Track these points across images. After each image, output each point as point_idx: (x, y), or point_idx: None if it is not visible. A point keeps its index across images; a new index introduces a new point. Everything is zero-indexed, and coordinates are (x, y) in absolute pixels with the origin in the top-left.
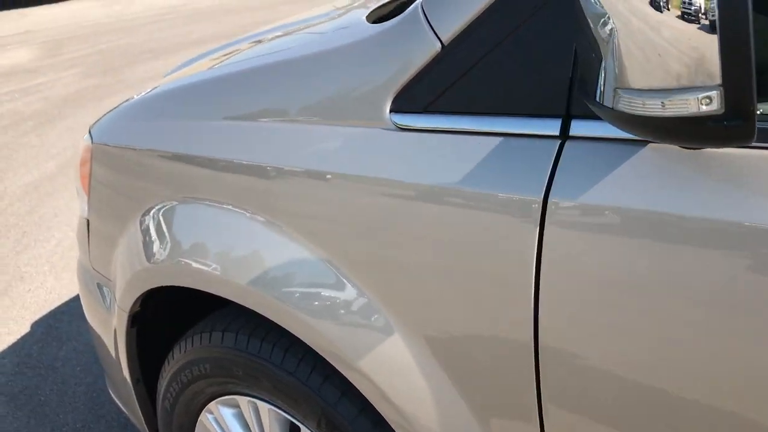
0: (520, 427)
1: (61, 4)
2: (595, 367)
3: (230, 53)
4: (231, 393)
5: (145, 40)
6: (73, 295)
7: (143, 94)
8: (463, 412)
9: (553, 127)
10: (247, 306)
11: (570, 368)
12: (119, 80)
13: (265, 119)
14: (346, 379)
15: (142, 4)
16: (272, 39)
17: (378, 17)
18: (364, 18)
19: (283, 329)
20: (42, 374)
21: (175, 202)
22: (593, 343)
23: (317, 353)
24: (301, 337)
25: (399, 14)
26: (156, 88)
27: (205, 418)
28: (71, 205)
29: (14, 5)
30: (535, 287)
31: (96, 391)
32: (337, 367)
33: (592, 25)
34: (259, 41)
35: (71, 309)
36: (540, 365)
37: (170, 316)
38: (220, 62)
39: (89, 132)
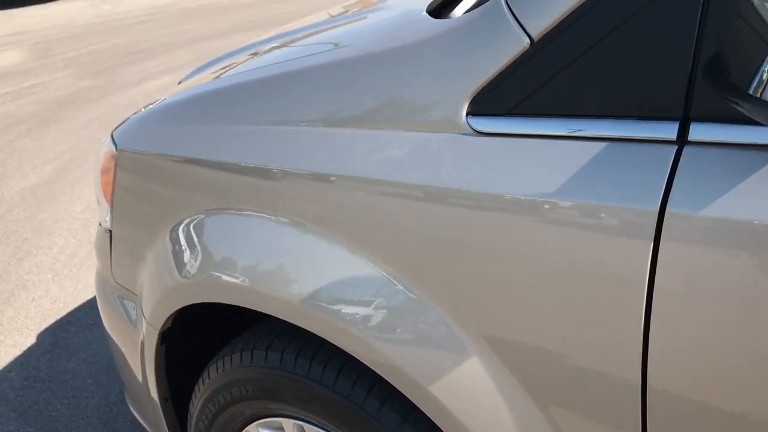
0: None
1: (49, 4)
2: (719, 408)
3: (252, 56)
4: (274, 415)
5: (136, 41)
6: (78, 304)
7: (165, 99)
8: None
9: (668, 130)
10: (300, 325)
11: (684, 406)
12: (112, 81)
13: (320, 124)
14: (407, 402)
15: (132, 4)
16: (304, 39)
17: (431, 11)
18: (425, 12)
19: (333, 348)
20: (51, 388)
21: (213, 213)
22: (716, 380)
23: (373, 374)
24: (364, 360)
25: (454, 6)
26: (176, 93)
27: None
28: (71, 210)
29: (1, 6)
30: (645, 311)
31: (108, 405)
32: (405, 393)
33: (758, 2)
34: (287, 43)
35: (78, 319)
36: (648, 400)
37: (201, 331)
38: (249, 65)
39: (111, 138)
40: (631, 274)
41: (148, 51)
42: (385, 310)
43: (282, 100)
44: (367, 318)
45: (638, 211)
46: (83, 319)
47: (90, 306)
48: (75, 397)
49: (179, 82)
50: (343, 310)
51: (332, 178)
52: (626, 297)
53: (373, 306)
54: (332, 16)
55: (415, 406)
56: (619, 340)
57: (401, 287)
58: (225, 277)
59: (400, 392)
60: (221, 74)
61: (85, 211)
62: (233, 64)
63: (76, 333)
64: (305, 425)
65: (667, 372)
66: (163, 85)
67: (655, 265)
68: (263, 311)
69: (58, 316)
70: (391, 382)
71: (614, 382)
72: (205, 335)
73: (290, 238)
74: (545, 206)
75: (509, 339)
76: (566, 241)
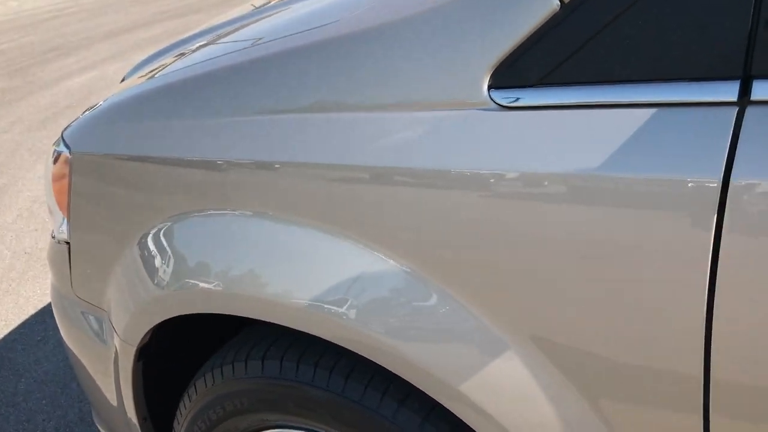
0: None
1: None
2: None
3: (209, 42)
4: (273, 427)
5: (50, 37)
6: (22, 320)
7: (112, 96)
8: None
9: (728, 91)
10: (302, 330)
11: (753, 400)
12: (30, 81)
13: (314, 110)
14: (427, 400)
15: None
16: (265, 23)
17: None
18: None
19: (339, 350)
20: (2, 413)
21: (192, 215)
22: None
23: (386, 375)
24: (382, 362)
25: None
26: (124, 90)
27: None
28: (2, 221)
29: None
30: (708, 294)
31: (68, 426)
32: (431, 394)
33: None
34: (246, 28)
35: (23, 336)
36: (711, 393)
37: (180, 344)
38: (210, 53)
39: (62, 140)
40: (691, 252)
41: (65, 47)
42: (403, 306)
43: (268, 87)
44: (382, 315)
45: (699, 182)
46: (29, 336)
47: (36, 321)
48: (30, 420)
49: (122, 79)
50: (353, 309)
51: (331, 169)
52: (686, 278)
53: (389, 302)
54: (263, 6)
55: (436, 404)
56: (678, 327)
57: (422, 281)
58: (206, 285)
59: (418, 392)
60: (179, 66)
61: (17, 220)
62: (186, 53)
63: (23, 351)
64: None
65: (733, 361)
66: (86, 82)
67: (719, 242)
68: (257, 318)
69: (1, 336)
70: (414, 383)
71: (673, 373)
72: (186, 348)
73: (289, 237)
74: (590, 183)
75: (551, 329)
76: (615, 220)
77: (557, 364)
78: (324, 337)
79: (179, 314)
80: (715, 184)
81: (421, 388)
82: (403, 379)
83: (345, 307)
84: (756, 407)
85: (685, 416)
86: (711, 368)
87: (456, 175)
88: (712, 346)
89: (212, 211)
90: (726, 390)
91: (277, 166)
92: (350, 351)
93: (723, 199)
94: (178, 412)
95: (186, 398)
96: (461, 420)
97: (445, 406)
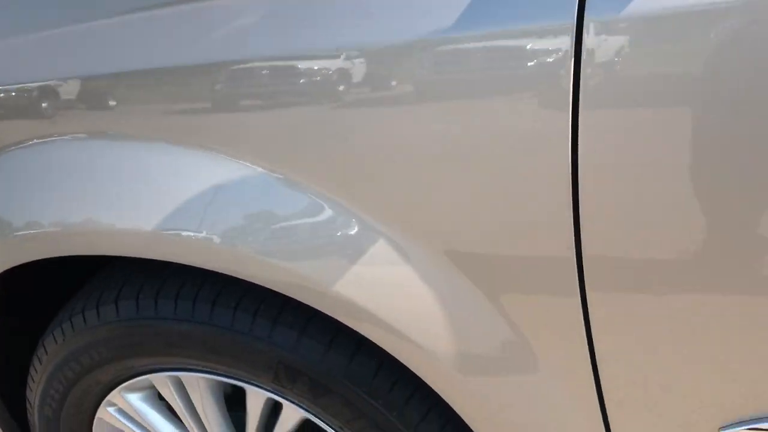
0: (565, 335)
1: None
2: (657, 260)
3: None
4: (140, 373)
5: None
6: None
7: None
8: (496, 323)
9: None
10: (167, 259)
11: (622, 267)
12: None
13: (135, 11)
14: (303, 312)
15: None
16: None
17: None
18: None
19: (201, 277)
20: None
21: (9, 150)
22: (655, 232)
23: (255, 295)
24: (258, 280)
25: None
26: None
27: (105, 412)
28: None
29: None
30: (572, 158)
31: None
32: (312, 304)
33: None
34: None
35: None
36: (585, 276)
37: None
38: None
39: None
40: (549, 109)
41: None
42: (273, 214)
43: None
44: (249, 228)
45: (549, 28)
46: None
47: None
48: None
49: None
50: (217, 226)
51: (166, 73)
52: (546, 148)
53: (256, 213)
54: None
55: (313, 315)
56: (545, 203)
57: (291, 185)
58: (39, 229)
59: (293, 306)
60: None
61: None
62: None
63: None
64: (182, 374)
65: (601, 237)
66: None
67: (578, 97)
68: (106, 253)
69: None
70: (290, 295)
71: (547, 257)
72: (30, 307)
73: (133, 156)
74: (435, 50)
75: (430, 223)
76: (464, 91)
77: (449, 258)
78: (186, 263)
79: (7, 268)
80: (568, 29)
81: (298, 299)
82: (275, 297)
83: (208, 226)
84: (626, 280)
85: (565, 299)
86: (582, 247)
87: (306, 59)
88: (581, 224)
89: (37, 140)
90: (597, 267)
91: (104, 78)
92: (213, 275)
93: (579, 46)
94: (29, 380)
95: (36, 362)
96: (343, 325)
97: (327, 313)
